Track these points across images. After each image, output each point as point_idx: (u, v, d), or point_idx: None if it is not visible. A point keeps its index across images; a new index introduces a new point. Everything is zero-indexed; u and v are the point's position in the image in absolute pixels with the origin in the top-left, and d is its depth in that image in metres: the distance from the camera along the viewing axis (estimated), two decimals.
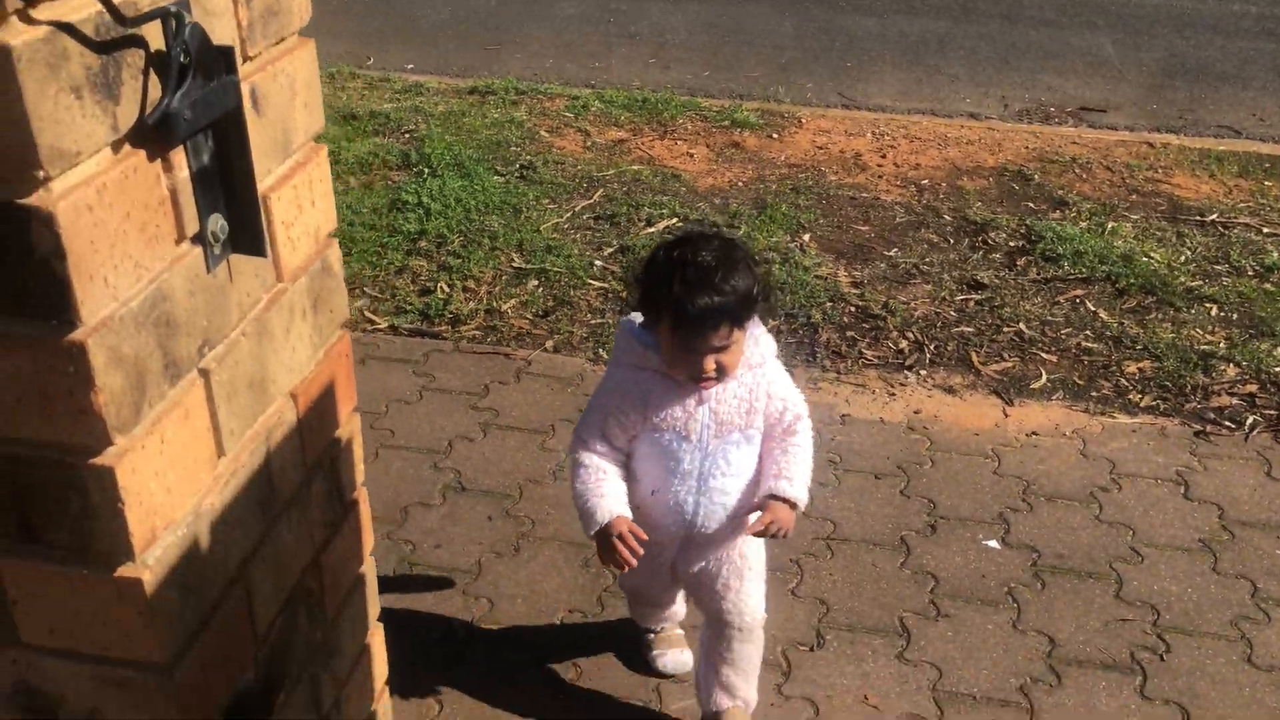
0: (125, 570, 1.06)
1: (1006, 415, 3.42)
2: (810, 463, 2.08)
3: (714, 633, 2.24)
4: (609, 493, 2.03)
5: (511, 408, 3.43)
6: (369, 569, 1.62)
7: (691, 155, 5.25)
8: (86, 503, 1.02)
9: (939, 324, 3.90)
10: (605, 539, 2.01)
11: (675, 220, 4.60)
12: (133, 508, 1.03)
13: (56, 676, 1.14)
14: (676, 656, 2.46)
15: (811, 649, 2.54)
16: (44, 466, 1.01)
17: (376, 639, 1.68)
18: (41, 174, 0.89)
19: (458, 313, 3.92)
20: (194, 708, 1.17)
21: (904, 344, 3.79)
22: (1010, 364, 3.69)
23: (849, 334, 3.85)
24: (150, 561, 1.07)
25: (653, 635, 2.49)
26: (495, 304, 3.98)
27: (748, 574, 2.18)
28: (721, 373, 1.96)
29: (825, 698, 2.41)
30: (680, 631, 2.51)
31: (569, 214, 4.64)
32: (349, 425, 1.50)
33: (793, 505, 2.03)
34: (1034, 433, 3.33)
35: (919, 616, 2.63)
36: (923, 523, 2.94)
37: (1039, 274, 4.23)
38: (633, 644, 2.52)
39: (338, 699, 1.55)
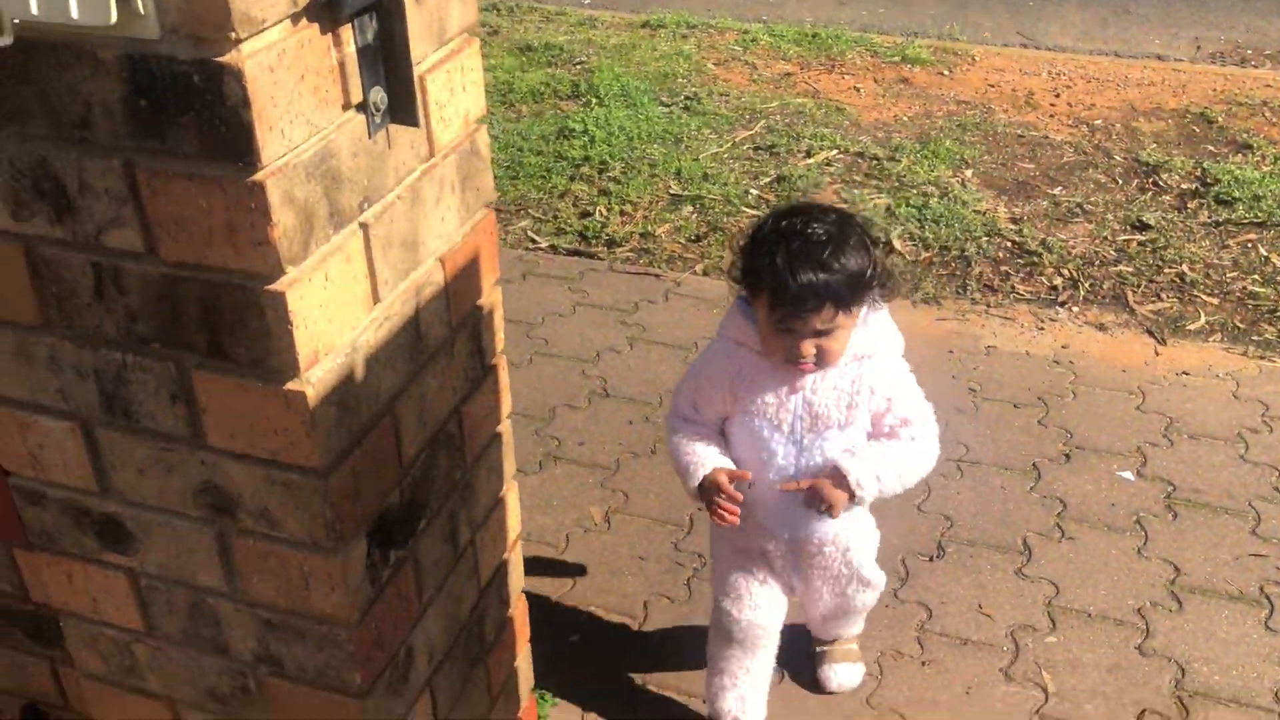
0: (292, 385, 1.25)
1: (1158, 354, 3.36)
2: (900, 467, 1.86)
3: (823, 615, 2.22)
4: (703, 449, 1.92)
5: (658, 325, 3.58)
6: (506, 431, 1.80)
7: (858, 90, 5.25)
8: (263, 323, 1.21)
9: (1097, 262, 3.84)
10: (707, 493, 1.90)
11: (835, 152, 4.64)
12: (300, 330, 1.22)
13: (236, 477, 1.35)
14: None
15: (931, 559, 2.62)
16: (230, 290, 1.21)
17: (511, 495, 1.86)
18: (234, 35, 1.07)
19: (614, 235, 4.09)
20: (346, 513, 1.36)
21: (1058, 280, 3.76)
22: (1168, 304, 3.61)
23: (1003, 269, 3.83)
24: (313, 379, 1.26)
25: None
26: (650, 228, 4.13)
27: (870, 593, 2.15)
28: (821, 359, 1.78)
29: (940, 604, 2.49)
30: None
31: (729, 144, 4.73)
32: (491, 296, 1.67)
33: (847, 484, 1.83)
34: (1185, 372, 3.27)
35: (1042, 537, 2.67)
36: (1057, 451, 2.96)
37: (1210, 217, 4.09)
38: None
39: (473, 540, 1.74)
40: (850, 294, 1.73)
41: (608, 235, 4.09)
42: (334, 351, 1.29)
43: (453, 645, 1.73)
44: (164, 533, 1.45)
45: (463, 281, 1.56)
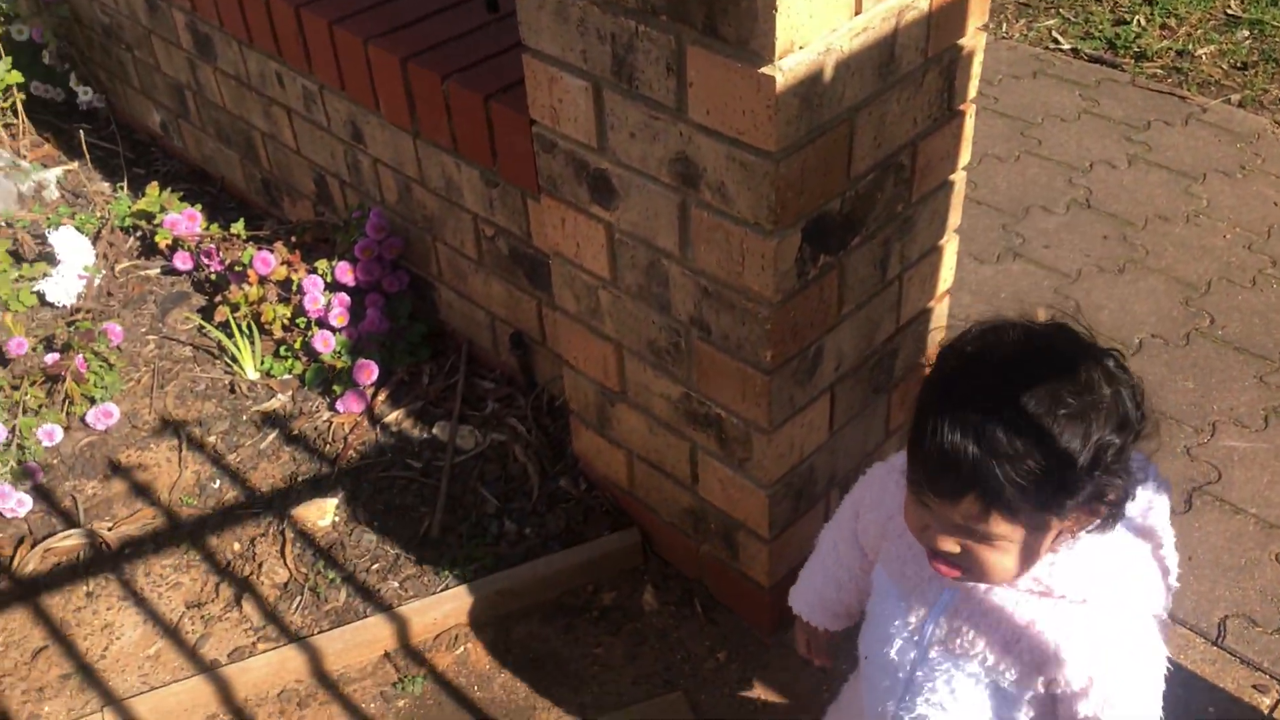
0: (765, 69, 1.39)
1: None
2: None
3: None
4: (824, 584, 1.52)
5: (1167, 147, 3.33)
6: (959, 183, 1.85)
7: None
8: (751, 5, 1.35)
9: None
10: (799, 629, 1.61)
11: None
12: (781, 18, 1.35)
13: (704, 151, 1.54)
14: None
15: None
16: None
17: (950, 247, 1.93)
18: None
19: (1146, 48, 3.78)
20: (788, 202, 1.51)
21: None
22: None
23: None
24: (784, 68, 1.39)
25: None
26: (1191, 47, 3.77)
27: None
28: (961, 568, 1.14)
29: None
30: None
31: None
32: (974, 40, 1.69)
33: None
34: None
35: None
36: None
37: None
38: None
39: (901, 276, 1.84)
40: (1020, 492, 1.03)
41: (1139, 47, 3.79)
42: (808, 48, 1.41)
43: (860, 364, 1.87)
44: (639, 194, 1.69)
45: (947, 16, 1.60)
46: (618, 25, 1.54)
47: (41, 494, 2.36)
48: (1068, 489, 1.05)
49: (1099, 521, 1.12)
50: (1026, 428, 1.02)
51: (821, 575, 1.51)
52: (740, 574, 2.02)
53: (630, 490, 2.17)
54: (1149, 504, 1.20)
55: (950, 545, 1.12)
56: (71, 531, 2.27)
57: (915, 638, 1.26)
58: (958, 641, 1.22)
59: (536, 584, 2.13)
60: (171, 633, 2.10)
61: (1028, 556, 1.11)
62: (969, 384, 1.08)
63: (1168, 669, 1.19)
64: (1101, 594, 1.14)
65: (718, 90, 1.47)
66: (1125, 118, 3.48)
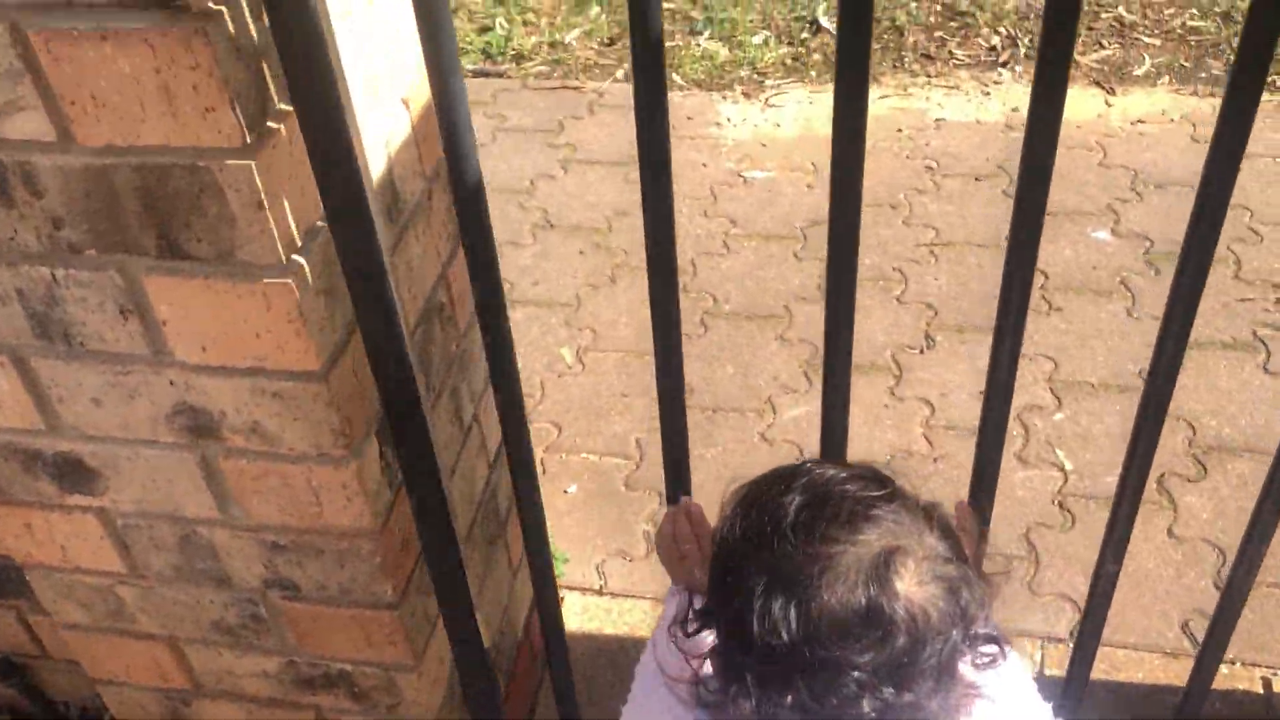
0: (270, 278, 1.03)
1: (1109, 105, 3.24)
2: None
3: None
4: None
5: (589, 141, 3.33)
6: None
7: None
8: (224, 208, 0.98)
9: (1032, 15, 3.66)
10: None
11: None
12: (274, 209, 0.99)
13: (214, 394, 1.14)
14: None
15: (921, 351, 2.52)
16: (176, 174, 0.97)
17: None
18: None
19: (520, 49, 3.77)
20: (350, 415, 1.17)
21: (995, 40, 3.58)
22: (1110, 51, 3.48)
23: (937, 34, 3.64)
24: (294, 267, 1.04)
25: None
26: (558, 36, 3.82)
27: None
28: None
29: (940, 395, 2.41)
30: None
31: None
32: None
33: None
34: (1140, 120, 3.17)
35: (1031, 311, 2.57)
36: None
37: None
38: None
39: (475, 414, 1.57)
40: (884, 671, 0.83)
41: (513, 50, 3.77)
42: (312, 230, 1.07)
43: (472, 527, 1.57)
44: (135, 465, 1.24)
45: (431, 126, 1.33)
46: (23, 278, 1.08)
47: None
48: (930, 653, 0.85)
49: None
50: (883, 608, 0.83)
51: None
52: None
53: None
54: None
55: None
56: None
57: None
58: None
59: None
60: None
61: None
62: (783, 571, 0.85)
63: None
64: None
65: (210, 320, 1.07)
66: (537, 124, 3.43)
